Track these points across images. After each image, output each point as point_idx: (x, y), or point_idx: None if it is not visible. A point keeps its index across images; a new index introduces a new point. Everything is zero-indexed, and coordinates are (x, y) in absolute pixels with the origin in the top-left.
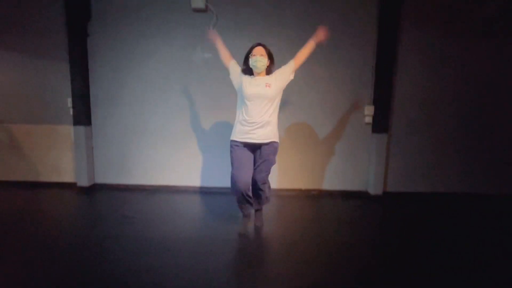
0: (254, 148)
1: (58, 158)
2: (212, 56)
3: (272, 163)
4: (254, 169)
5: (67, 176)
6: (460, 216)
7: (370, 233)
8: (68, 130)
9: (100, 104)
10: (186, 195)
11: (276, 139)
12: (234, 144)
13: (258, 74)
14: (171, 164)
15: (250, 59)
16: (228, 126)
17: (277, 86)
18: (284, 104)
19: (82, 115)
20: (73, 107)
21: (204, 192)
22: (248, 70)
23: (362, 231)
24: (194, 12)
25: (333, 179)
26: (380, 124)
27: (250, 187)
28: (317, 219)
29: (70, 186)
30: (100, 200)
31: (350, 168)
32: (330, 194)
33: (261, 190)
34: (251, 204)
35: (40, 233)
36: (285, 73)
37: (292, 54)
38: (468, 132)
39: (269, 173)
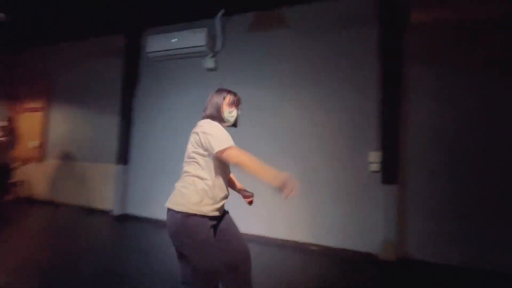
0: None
1: (105, 190)
2: None
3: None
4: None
5: (108, 205)
6: None
7: None
8: (114, 168)
9: (137, 148)
10: None
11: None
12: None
13: None
14: None
15: (227, 109)
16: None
17: None
18: (280, 150)
19: (123, 156)
20: (117, 150)
21: None
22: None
23: None
24: (207, 72)
25: (336, 235)
26: (388, 173)
27: None
28: (309, 281)
29: (107, 213)
30: (125, 228)
31: (356, 224)
32: (331, 252)
33: None
34: None
35: (60, 247)
36: None
37: (290, 102)
38: (506, 187)
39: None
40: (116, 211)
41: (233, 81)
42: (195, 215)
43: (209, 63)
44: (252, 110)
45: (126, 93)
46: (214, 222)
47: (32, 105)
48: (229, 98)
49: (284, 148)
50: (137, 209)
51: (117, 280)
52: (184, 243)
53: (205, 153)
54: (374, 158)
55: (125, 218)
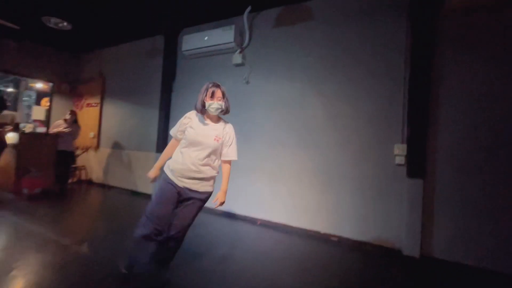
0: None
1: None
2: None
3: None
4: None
5: (150, 189)
6: None
7: None
8: (154, 156)
9: None
10: (242, 223)
11: None
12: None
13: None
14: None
15: (208, 102)
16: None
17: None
18: (305, 141)
19: (161, 145)
20: (157, 140)
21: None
22: (200, 110)
23: None
24: (235, 67)
25: (358, 228)
26: (413, 166)
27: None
28: (328, 269)
29: (149, 196)
30: None
31: (379, 217)
32: (352, 244)
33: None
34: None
35: (109, 220)
36: (226, 144)
37: (314, 94)
38: None
39: None
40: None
41: (260, 75)
42: (165, 173)
43: (237, 58)
44: (277, 103)
45: (164, 88)
46: (179, 189)
47: (91, 101)
48: (209, 91)
49: (309, 139)
50: None
51: None
52: None
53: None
54: (399, 151)
55: None
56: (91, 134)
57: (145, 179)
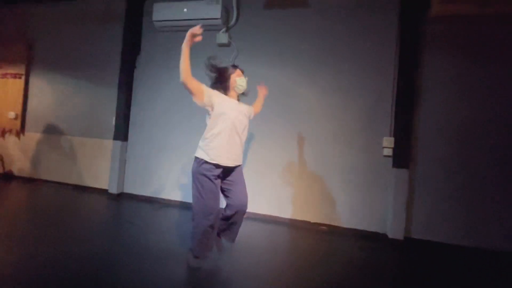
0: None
1: (100, 167)
2: None
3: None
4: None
5: (103, 183)
6: (497, 279)
7: (377, 281)
8: (110, 144)
9: (136, 124)
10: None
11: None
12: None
13: (231, 96)
14: (184, 181)
15: (236, 79)
16: None
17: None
18: (293, 131)
19: (121, 131)
20: (115, 125)
21: None
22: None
23: (367, 277)
24: (218, 47)
25: (346, 216)
26: (400, 157)
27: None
28: (320, 256)
29: (103, 192)
30: (121, 207)
31: (366, 205)
32: (342, 231)
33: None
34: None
35: (57, 227)
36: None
37: (306, 84)
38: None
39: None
40: (112, 189)
41: (246, 58)
42: None
43: (222, 37)
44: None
45: (125, 64)
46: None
47: (10, 70)
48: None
49: (297, 129)
50: (135, 188)
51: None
52: None
53: None
54: (387, 143)
55: (122, 197)
56: (11, 114)
57: (92, 171)
